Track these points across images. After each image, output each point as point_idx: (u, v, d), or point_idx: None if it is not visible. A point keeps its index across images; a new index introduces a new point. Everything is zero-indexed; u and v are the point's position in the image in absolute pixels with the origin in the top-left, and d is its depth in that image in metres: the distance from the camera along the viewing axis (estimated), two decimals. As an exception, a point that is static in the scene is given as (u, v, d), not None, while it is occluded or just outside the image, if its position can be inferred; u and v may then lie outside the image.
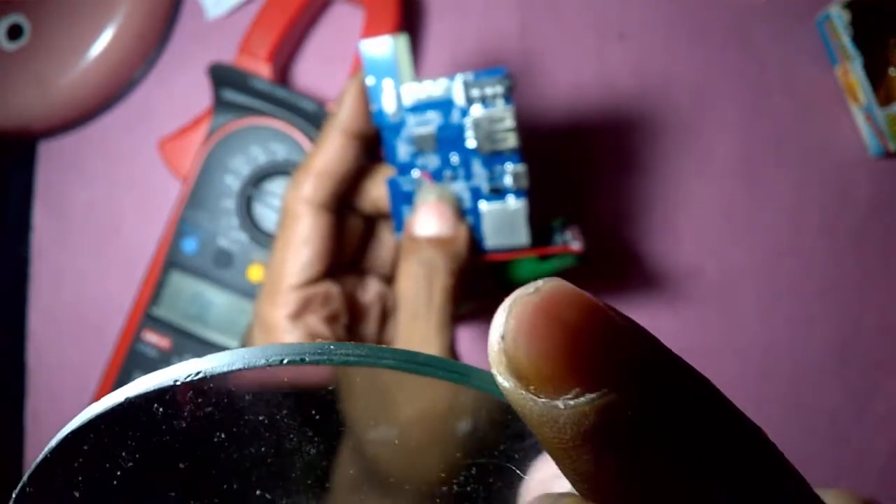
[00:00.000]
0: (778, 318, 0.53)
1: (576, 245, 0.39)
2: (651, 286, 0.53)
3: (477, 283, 0.42)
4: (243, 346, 0.47)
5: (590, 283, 0.52)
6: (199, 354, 0.48)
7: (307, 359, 0.14)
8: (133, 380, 0.45)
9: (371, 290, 0.41)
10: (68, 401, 0.53)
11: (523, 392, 0.13)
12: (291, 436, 0.18)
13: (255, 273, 0.48)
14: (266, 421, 0.17)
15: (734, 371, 0.53)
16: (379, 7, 0.48)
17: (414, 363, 0.14)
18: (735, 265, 0.53)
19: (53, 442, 0.15)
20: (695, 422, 0.13)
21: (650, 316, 0.53)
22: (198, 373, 0.14)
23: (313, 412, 0.17)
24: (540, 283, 0.14)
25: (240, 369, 0.14)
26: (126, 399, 0.15)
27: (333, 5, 0.53)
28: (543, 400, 0.13)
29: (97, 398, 0.46)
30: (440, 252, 0.35)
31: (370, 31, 0.48)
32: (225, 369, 0.14)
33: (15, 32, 0.50)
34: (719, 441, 0.13)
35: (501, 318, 0.13)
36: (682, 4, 0.53)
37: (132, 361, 0.48)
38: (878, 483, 0.53)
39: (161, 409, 0.15)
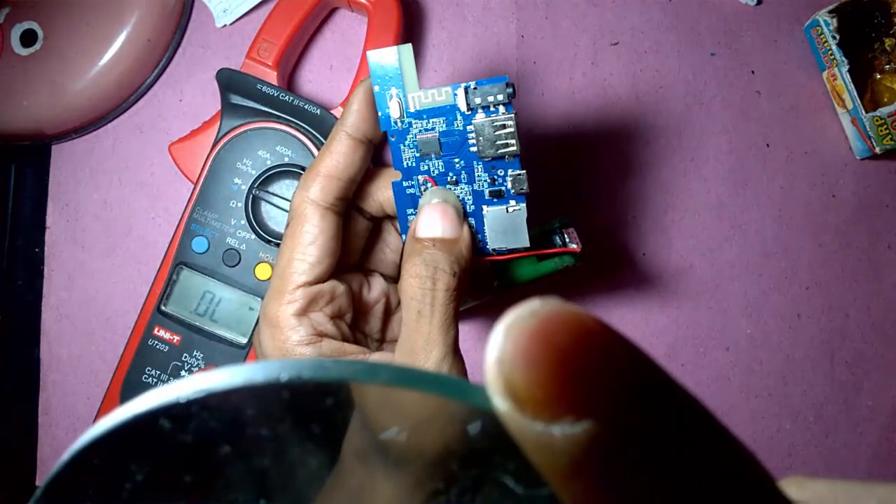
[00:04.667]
0: (766, 315, 0.55)
1: (573, 246, 0.41)
2: (644, 284, 0.55)
3: (478, 282, 0.43)
4: (253, 342, 0.48)
5: (586, 281, 0.54)
6: (208, 350, 0.50)
7: (304, 375, 0.14)
8: (144, 374, 0.45)
9: (376, 289, 0.41)
10: (80, 396, 0.54)
11: (519, 415, 0.13)
12: (294, 447, 0.18)
13: (262, 271, 0.49)
14: (269, 434, 0.17)
15: (723, 365, 0.55)
16: (381, 16, 0.50)
17: (409, 380, 0.14)
18: (725, 264, 0.55)
19: (64, 457, 0.15)
20: (689, 452, 0.13)
21: (643, 312, 0.55)
22: (200, 390, 0.14)
23: (315, 424, 0.17)
24: (537, 304, 0.14)
25: (239, 386, 0.14)
26: (133, 415, 0.15)
27: (338, 14, 0.54)
28: (539, 425, 0.13)
29: (109, 392, 0.47)
30: (443, 253, 0.35)
31: (373, 38, 0.50)
32: (225, 386, 0.14)
33: (29, 38, 0.51)
34: (714, 472, 0.14)
35: (499, 340, 0.13)
36: (673, 12, 0.55)
37: (143, 357, 0.49)
38: (865, 475, 0.55)
39: (167, 425, 0.15)
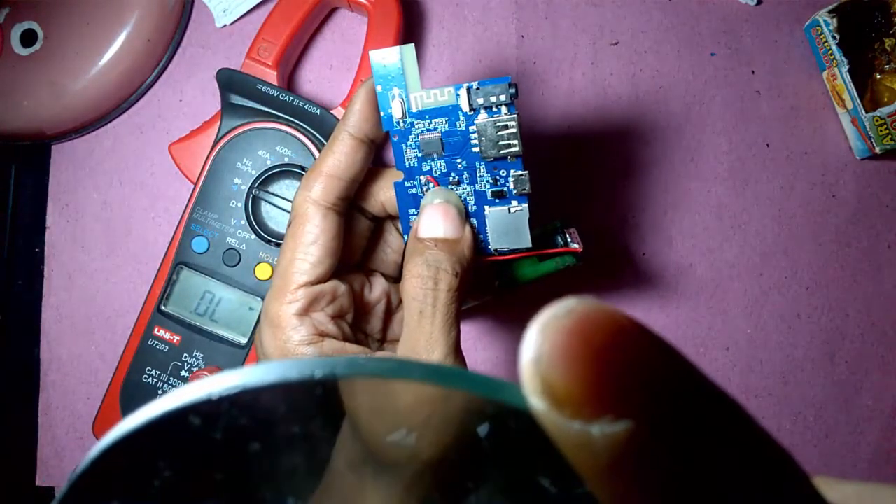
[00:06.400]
0: (765, 315, 0.55)
1: (575, 245, 0.41)
2: (644, 283, 0.55)
3: (479, 281, 0.43)
4: (254, 342, 0.48)
5: (587, 281, 0.54)
6: (209, 350, 0.49)
7: (339, 372, 0.14)
8: (144, 374, 0.45)
9: (377, 289, 0.41)
10: (80, 396, 0.54)
11: (556, 415, 0.13)
12: (324, 445, 0.18)
13: (262, 271, 0.49)
14: (299, 431, 0.17)
15: (723, 365, 0.55)
16: (382, 16, 0.50)
17: (444, 377, 0.14)
18: (725, 264, 0.55)
19: (92, 453, 0.15)
20: (728, 451, 0.13)
21: (643, 312, 0.54)
22: (233, 387, 0.14)
23: (345, 422, 0.17)
24: (573, 303, 0.13)
25: (273, 383, 0.14)
26: (163, 412, 0.14)
27: (338, 14, 0.54)
28: (578, 425, 0.13)
29: (109, 392, 0.47)
30: (445, 253, 0.35)
31: (373, 38, 0.50)
32: (258, 383, 0.14)
33: (29, 38, 0.51)
34: (753, 472, 0.13)
35: (535, 339, 0.13)
36: (673, 12, 0.55)
37: (143, 357, 0.49)
38: (865, 475, 0.55)
39: (197, 422, 0.15)
